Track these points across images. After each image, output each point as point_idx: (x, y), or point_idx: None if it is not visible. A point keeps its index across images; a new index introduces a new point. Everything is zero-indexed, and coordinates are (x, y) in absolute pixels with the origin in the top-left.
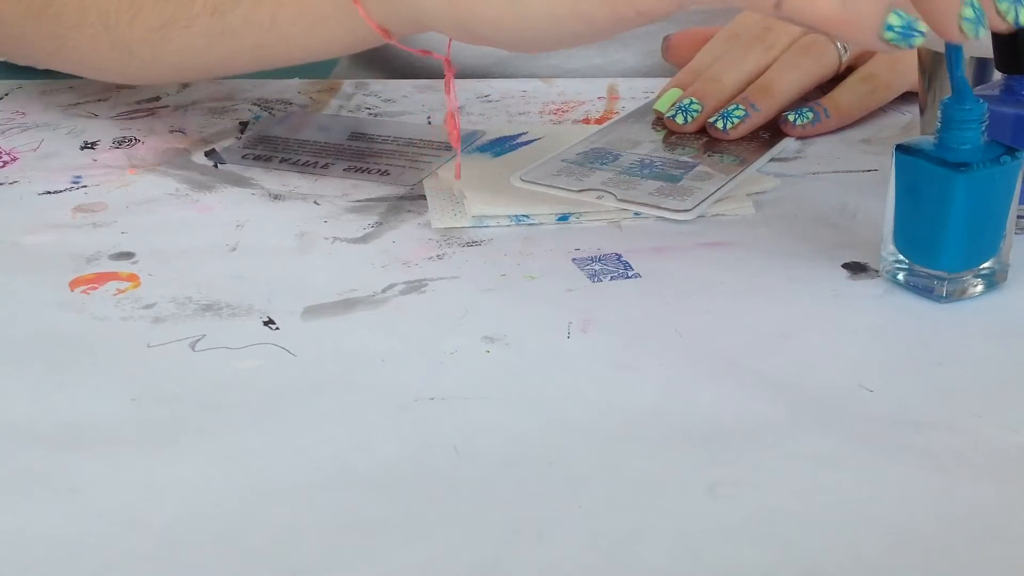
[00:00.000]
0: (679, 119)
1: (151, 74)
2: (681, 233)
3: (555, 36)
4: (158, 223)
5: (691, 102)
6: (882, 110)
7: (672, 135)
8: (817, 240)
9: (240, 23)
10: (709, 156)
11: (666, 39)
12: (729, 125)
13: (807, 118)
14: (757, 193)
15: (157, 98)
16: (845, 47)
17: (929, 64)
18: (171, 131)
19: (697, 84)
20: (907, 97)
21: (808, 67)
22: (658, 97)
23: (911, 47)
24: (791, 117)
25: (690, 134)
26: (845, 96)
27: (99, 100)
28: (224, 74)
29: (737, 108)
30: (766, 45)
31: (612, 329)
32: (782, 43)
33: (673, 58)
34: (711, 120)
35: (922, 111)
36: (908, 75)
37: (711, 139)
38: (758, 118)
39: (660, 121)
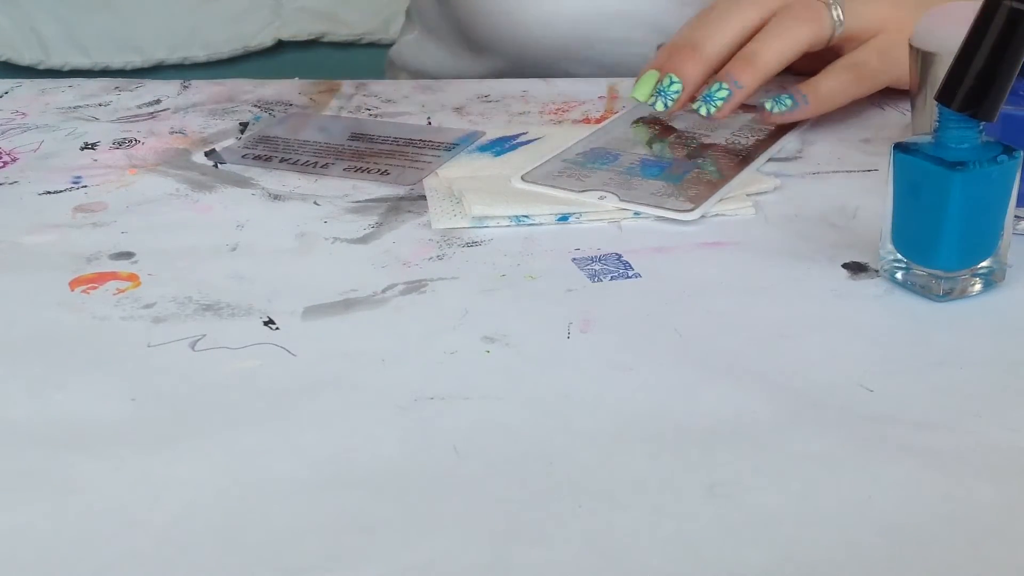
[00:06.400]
0: (659, 106)
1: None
2: (681, 233)
3: None
4: (158, 223)
5: (671, 81)
6: (881, 109)
7: (654, 138)
8: (817, 240)
9: None
10: (699, 162)
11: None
12: (713, 109)
13: (785, 105)
14: (757, 193)
15: (158, 101)
16: (841, 18)
17: (921, 63)
18: (171, 131)
19: (675, 55)
20: (907, 96)
21: (797, 35)
22: (636, 84)
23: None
24: (768, 104)
25: (678, 144)
26: (828, 83)
27: (100, 105)
28: None
29: (720, 88)
30: (755, 1)
31: (612, 329)
32: (772, 3)
33: None
34: (693, 105)
35: (913, 108)
36: (895, 68)
37: (700, 145)
38: (741, 95)
39: (645, 121)
